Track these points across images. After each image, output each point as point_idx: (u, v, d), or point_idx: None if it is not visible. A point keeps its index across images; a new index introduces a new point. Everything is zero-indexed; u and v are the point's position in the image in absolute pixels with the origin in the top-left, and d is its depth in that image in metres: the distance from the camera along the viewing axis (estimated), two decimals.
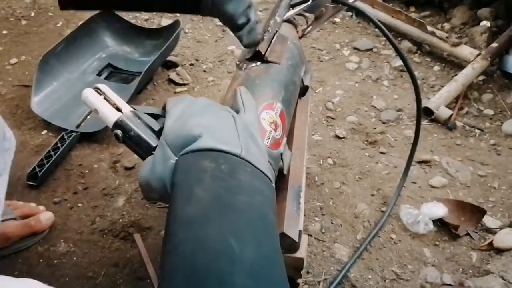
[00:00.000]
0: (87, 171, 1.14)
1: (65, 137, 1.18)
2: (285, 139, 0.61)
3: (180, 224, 0.37)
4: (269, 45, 0.67)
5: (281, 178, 0.63)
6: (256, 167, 0.44)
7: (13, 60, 1.52)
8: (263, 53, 0.65)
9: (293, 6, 0.82)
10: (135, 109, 0.51)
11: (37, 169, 1.09)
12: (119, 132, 0.49)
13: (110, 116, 0.50)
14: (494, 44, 1.43)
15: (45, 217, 0.97)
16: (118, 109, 0.51)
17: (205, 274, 0.33)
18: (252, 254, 0.35)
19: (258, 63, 0.65)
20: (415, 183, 1.12)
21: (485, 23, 1.58)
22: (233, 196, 0.39)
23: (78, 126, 1.16)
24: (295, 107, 0.72)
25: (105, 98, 0.52)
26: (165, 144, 0.44)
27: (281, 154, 0.60)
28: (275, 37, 0.69)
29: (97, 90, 0.52)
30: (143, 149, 0.48)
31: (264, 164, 0.47)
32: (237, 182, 0.41)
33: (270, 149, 0.56)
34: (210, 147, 0.43)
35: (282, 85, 0.64)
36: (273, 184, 0.49)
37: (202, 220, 0.37)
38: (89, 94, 0.52)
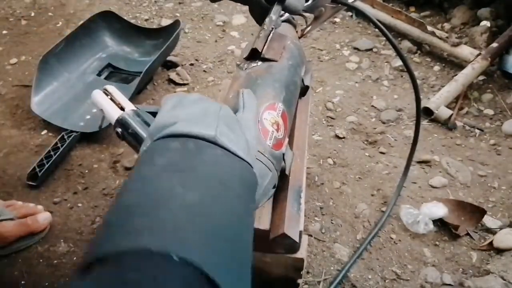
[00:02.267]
0: (87, 171, 1.14)
1: (65, 137, 1.18)
2: (287, 139, 0.61)
3: (132, 180, 0.36)
4: (266, 42, 0.67)
5: (282, 179, 0.63)
6: (232, 152, 0.41)
7: (13, 60, 1.52)
8: (260, 51, 0.65)
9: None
10: (137, 108, 0.54)
11: (37, 169, 1.09)
12: (119, 129, 0.52)
13: (113, 114, 0.53)
14: (494, 44, 1.43)
15: (43, 217, 0.97)
16: (122, 108, 0.54)
17: (137, 205, 0.32)
18: (196, 198, 0.33)
19: (259, 62, 0.65)
20: (415, 183, 1.12)
21: (485, 23, 1.58)
22: (193, 164, 0.37)
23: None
24: (295, 107, 0.72)
25: (111, 99, 0.56)
26: (147, 136, 0.44)
27: (283, 154, 0.60)
28: (271, 35, 0.69)
29: (105, 91, 0.57)
30: (140, 145, 0.51)
31: (244, 151, 0.43)
32: (203, 156, 0.39)
33: (273, 149, 0.56)
34: (180, 131, 0.40)
35: (283, 85, 0.64)
36: (256, 176, 0.47)
37: (155, 176, 0.35)
38: (97, 95, 0.57)
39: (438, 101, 1.31)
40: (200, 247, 0.30)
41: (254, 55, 0.66)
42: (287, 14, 0.81)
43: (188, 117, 0.43)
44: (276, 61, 0.66)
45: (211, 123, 0.42)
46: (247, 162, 0.43)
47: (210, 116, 0.43)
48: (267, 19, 0.69)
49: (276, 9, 0.71)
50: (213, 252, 0.31)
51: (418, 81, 0.94)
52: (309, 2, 0.81)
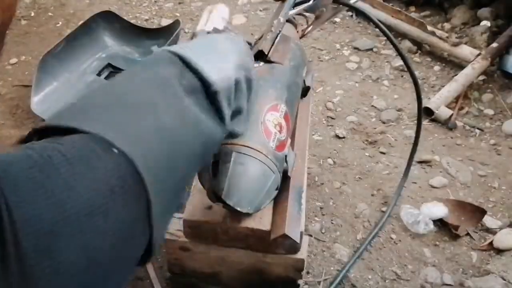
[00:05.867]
0: None
1: None
2: (289, 140, 0.62)
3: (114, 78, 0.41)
4: (272, 45, 0.67)
5: (284, 180, 0.63)
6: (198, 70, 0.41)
7: (13, 60, 1.52)
8: (266, 53, 0.65)
9: (294, 5, 0.82)
10: None
11: None
12: None
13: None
14: (494, 44, 1.43)
15: None
16: None
17: (100, 98, 0.36)
18: (146, 99, 0.36)
19: (261, 63, 0.65)
20: (415, 183, 1.12)
21: (485, 23, 1.58)
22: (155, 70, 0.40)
23: None
24: (297, 108, 0.72)
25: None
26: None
27: (285, 156, 0.60)
28: (278, 37, 0.69)
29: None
30: None
31: (218, 72, 0.43)
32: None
33: (276, 151, 0.57)
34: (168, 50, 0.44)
35: (285, 86, 0.64)
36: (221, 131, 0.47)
37: (124, 79, 0.40)
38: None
39: (438, 101, 1.31)
40: (135, 141, 0.32)
41: (259, 56, 0.66)
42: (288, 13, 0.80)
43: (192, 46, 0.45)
44: (281, 64, 0.66)
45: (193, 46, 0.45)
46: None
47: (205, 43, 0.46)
48: (275, 21, 0.69)
49: (285, 11, 0.71)
50: (147, 148, 0.32)
51: (419, 81, 0.94)
52: (311, 2, 0.81)
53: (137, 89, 0.37)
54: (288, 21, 0.81)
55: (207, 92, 0.41)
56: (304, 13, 0.84)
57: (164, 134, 0.35)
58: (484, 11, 1.62)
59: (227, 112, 0.43)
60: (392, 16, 1.61)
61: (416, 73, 1.46)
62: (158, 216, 0.32)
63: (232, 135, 0.49)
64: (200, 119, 0.40)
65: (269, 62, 0.66)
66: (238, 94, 0.45)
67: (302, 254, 0.65)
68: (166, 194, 0.34)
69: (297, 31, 0.83)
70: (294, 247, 0.63)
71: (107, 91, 0.38)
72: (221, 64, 0.44)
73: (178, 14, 1.78)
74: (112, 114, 0.33)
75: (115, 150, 0.29)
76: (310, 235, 0.98)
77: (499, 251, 0.96)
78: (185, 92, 0.39)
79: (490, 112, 1.35)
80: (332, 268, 0.93)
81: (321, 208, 1.05)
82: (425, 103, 1.29)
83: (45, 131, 0.31)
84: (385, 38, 1.26)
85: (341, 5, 0.85)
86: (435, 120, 1.31)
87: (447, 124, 1.29)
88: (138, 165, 0.30)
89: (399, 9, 1.63)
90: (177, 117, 0.37)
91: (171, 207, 0.37)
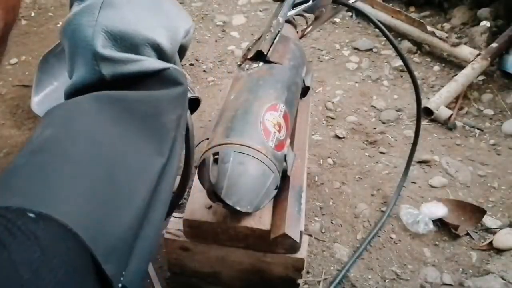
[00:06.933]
0: None
1: None
2: (288, 140, 0.62)
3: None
4: (271, 45, 0.67)
5: (284, 180, 0.63)
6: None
7: (13, 60, 1.52)
8: (265, 53, 0.65)
9: (293, 6, 0.82)
10: None
11: None
12: None
13: None
14: (494, 44, 1.43)
15: None
16: None
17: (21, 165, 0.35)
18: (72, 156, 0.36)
19: (260, 63, 0.66)
20: (415, 183, 1.12)
21: (485, 23, 1.58)
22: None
23: None
24: (296, 108, 0.72)
25: None
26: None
27: (285, 155, 0.60)
28: (277, 37, 0.69)
29: None
30: None
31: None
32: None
33: (275, 150, 0.57)
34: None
35: (285, 86, 0.64)
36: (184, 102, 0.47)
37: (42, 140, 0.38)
38: None
39: (438, 101, 1.31)
40: (63, 203, 0.31)
41: (258, 56, 0.66)
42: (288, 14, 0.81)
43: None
44: (280, 64, 0.66)
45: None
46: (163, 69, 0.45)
47: None
48: (274, 21, 0.69)
49: (284, 12, 0.71)
50: (76, 206, 0.32)
51: (418, 81, 0.94)
52: (310, 3, 0.81)
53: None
54: (287, 21, 0.82)
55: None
56: (304, 14, 0.84)
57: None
58: (484, 11, 1.62)
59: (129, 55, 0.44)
60: (392, 17, 1.62)
61: (416, 73, 1.46)
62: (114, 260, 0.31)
63: (181, 49, 0.49)
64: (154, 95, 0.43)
65: (269, 62, 0.66)
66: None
67: (302, 253, 0.65)
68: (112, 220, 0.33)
69: (297, 32, 0.83)
70: (294, 247, 0.63)
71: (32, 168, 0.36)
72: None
73: None
74: (31, 184, 0.32)
75: (33, 215, 0.29)
76: (310, 235, 0.98)
77: (499, 251, 0.96)
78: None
79: (489, 112, 1.35)
80: (332, 268, 0.93)
81: (321, 208, 1.05)
82: (425, 103, 1.29)
83: None
84: (384, 38, 1.26)
85: (340, 5, 0.85)
86: (434, 120, 1.31)
87: (446, 124, 1.29)
88: (67, 223, 0.29)
89: (399, 9, 1.63)
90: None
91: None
